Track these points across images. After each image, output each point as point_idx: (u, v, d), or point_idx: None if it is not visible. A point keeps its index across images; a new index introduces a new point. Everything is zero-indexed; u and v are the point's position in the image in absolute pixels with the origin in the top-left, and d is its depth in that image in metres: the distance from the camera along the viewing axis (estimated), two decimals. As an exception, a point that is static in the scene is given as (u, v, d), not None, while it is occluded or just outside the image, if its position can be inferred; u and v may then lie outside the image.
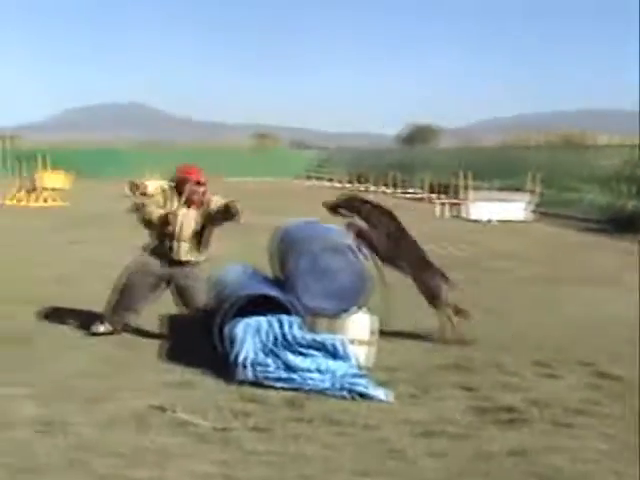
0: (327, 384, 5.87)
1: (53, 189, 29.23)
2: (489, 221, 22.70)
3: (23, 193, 27.00)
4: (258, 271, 7.70)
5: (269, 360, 6.02)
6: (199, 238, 7.45)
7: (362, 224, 7.69)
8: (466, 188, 27.77)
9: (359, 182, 42.69)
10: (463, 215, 24.31)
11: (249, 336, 6.14)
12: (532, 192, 26.23)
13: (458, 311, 7.64)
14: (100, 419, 5.16)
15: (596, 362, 6.90)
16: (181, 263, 7.42)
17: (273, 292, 6.75)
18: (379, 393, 5.77)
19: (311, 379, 5.91)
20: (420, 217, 21.95)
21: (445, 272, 7.81)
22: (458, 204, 25.86)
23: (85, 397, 5.61)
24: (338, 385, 5.84)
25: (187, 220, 7.38)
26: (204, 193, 7.46)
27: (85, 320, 7.77)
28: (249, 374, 5.96)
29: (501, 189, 28.53)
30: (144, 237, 7.68)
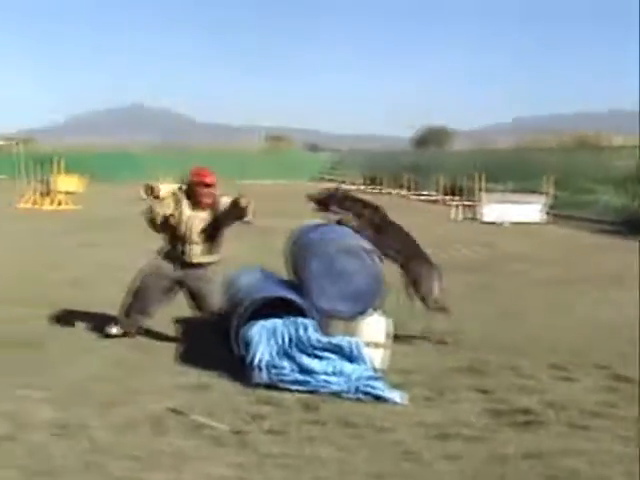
0: (342, 387, 5.87)
1: (67, 192, 29.30)
2: (502, 223, 22.64)
3: (37, 196, 27.14)
4: (272, 273, 7.70)
5: (285, 363, 6.02)
6: (211, 240, 7.46)
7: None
8: (480, 190, 27.72)
9: (373, 184, 42.67)
10: (477, 217, 24.27)
11: (265, 339, 6.14)
12: (546, 194, 26.14)
13: (440, 307, 7.61)
14: (116, 422, 5.18)
15: (612, 364, 6.87)
16: (193, 265, 7.42)
17: (289, 295, 6.75)
18: (394, 396, 5.77)
19: (326, 382, 5.91)
20: (434, 219, 21.92)
21: (435, 264, 7.75)
22: (472, 206, 25.82)
23: (100, 400, 5.62)
24: (353, 388, 5.84)
25: (197, 222, 7.38)
26: (213, 195, 7.46)
27: (99, 323, 7.80)
28: (265, 377, 5.97)
29: (515, 191, 28.44)
30: (158, 240, 7.69)
